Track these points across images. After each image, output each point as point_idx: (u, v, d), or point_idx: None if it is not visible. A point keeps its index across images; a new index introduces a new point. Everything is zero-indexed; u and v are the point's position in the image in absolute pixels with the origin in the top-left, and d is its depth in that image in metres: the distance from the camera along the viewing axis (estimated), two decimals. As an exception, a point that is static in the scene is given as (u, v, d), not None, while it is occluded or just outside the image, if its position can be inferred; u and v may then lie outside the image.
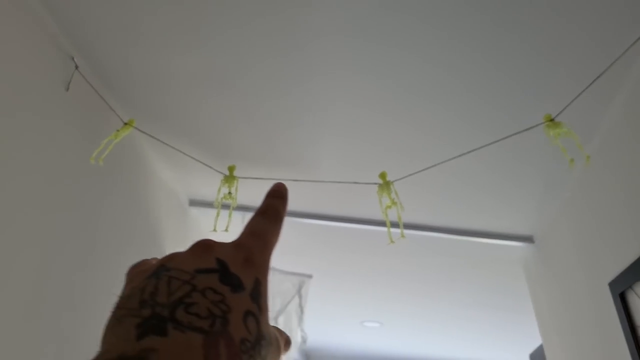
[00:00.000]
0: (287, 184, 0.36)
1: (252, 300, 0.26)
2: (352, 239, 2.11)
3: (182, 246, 1.84)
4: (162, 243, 1.70)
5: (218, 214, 1.17)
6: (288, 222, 2.10)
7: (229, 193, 1.13)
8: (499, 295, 2.56)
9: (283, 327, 1.75)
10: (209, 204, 1.91)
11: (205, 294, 0.24)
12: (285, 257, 1.80)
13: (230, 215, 1.13)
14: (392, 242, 0.95)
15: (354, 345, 3.78)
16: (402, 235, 0.94)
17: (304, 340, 1.72)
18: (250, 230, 0.30)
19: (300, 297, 1.79)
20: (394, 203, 0.89)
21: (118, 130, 1.07)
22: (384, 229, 1.96)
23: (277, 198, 0.33)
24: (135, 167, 1.53)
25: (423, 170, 1.16)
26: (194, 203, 1.91)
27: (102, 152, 1.07)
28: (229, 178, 1.11)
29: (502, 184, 1.71)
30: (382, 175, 0.94)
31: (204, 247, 0.28)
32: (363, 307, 3.00)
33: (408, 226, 1.95)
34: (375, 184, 0.92)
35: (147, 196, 1.63)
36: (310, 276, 1.84)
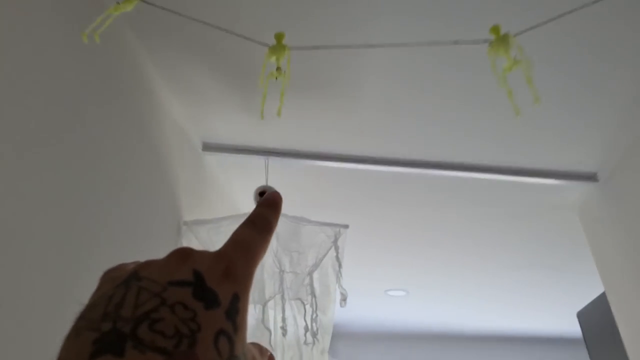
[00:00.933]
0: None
1: (228, 318, 0.24)
2: (378, 185, 1.89)
3: (197, 199, 1.60)
4: (175, 192, 1.46)
5: (264, 97, 0.91)
6: (301, 166, 1.95)
7: (278, 69, 0.89)
8: (545, 252, 2.36)
9: (319, 284, 1.53)
10: (227, 149, 1.68)
11: (174, 310, 0.23)
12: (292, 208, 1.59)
13: (282, 98, 0.88)
14: (518, 114, 0.71)
15: (377, 317, 3.57)
16: (536, 100, 0.70)
17: (343, 298, 1.50)
18: (234, 240, 0.28)
19: (336, 249, 1.56)
20: (515, 62, 0.65)
21: (119, 3, 0.83)
22: (414, 170, 1.73)
23: (268, 207, 0.31)
24: (138, 96, 1.29)
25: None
26: (208, 147, 1.67)
27: (98, 28, 0.83)
28: (277, 48, 0.86)
29: (563, 113, 1.48)
30: (495, 30, 0.70)
31: (182, 255, 0.27)
32: (387, 274, 2.79)
33: (444, 166, 1.72)
34: (485, 41, 0.69)
35: (152, 133, 1.39)
36: (346, 226, 1.61)
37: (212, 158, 1.70)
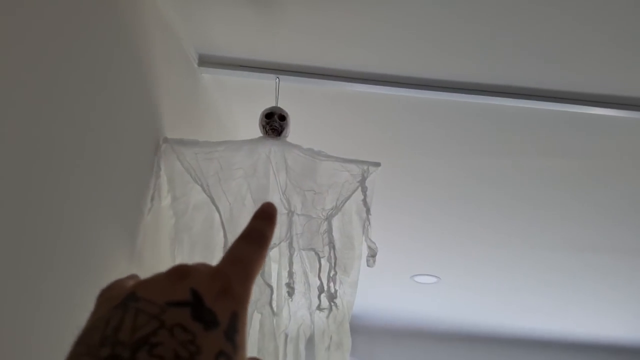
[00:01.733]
0: None
1: (227, 338, 0.25)
2: (415, 119, 1.51)
3: (187, 119, 1.22)
4: (156, 106, 1.11)
5: None
6: (318, 88, 1.47)
7: None
8: (631, 230, 1.92)
9: (340, 233, 1.16)
10: (227, 63, 1.32)
11: (173, 333, 0.24)
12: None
13: None
14: None
15: (401, 309, 3.17)
16: None
17: (372, 254, 1.12)
18: (230, 256, 0.29)
19: (364, 191, 1.19)
20: None
21: None
22: (468, 97, 1.34)
23: (262, 219, 0.32)
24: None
25: None
26: (205, 61, 1.32)
27: None
28: None
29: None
30: None
31: (179, 273, 0.27)
32: (415, 255, 2.40)
33: (513, 92, 1.34)
34: None
35: (136, 39, 1.04)
36: (377, 164, 1.23)
37: (210, 76, 1.35)
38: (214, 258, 1.01)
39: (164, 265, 1.00)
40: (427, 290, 2.78)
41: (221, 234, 1.03)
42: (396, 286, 2.79)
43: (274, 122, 1.21)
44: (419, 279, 2.67)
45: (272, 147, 1.19)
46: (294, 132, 1.28)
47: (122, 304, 0.26)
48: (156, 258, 0.99)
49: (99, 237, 0.83)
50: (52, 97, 0.73)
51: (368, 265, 1.15)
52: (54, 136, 0.73)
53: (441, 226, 2.10)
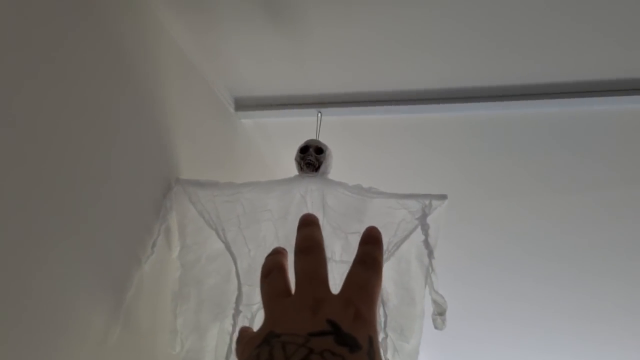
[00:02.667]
0: None
1: (370, 357, 0.28)
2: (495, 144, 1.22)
3: (227, 172, 1.10)
4: (178, 161, 1.01)
5: None
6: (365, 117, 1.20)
7: None
8: None
9: (394, 285, 0.90)
10: (269, 105, 1.20)
11: (324, 356, 0.27)
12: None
13: None
14: None
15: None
16: None
17: (439, 312, 0.84)
18: (352, 283, 0.33)
19: (425, 230, 0.93)
20: None
21: None
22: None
23: (372, 244, 0.35)
24: (144, 35, 0.91)
25: None
26: (242, 105, 1.22)
27: None
28: None
29: None
30: None
31: (311, 306, 0.30)
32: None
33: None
34: None
35: (165, 90, 0.99)
36: (443, 197, 0.98)
37: (249, 120, 1.24)
38: (226, 317, 0.81)
39: (161, 325, 0.82)
40: None
41: (235, 286, 0.84)
42: None
43: (309, 157, 1.04)
44: None
45: (309, 186, 1.00)
46: (340, 171, 1.09)
47: (265, 341, 0.29)
48: (152, 317, 0.82)
49: (73, 287, 0.69)
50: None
51: (436, 327, 0.86)
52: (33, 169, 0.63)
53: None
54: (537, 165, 1.30)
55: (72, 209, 0.70)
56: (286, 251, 0.41)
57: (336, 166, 1.09)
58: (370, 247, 0.36)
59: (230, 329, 0.79)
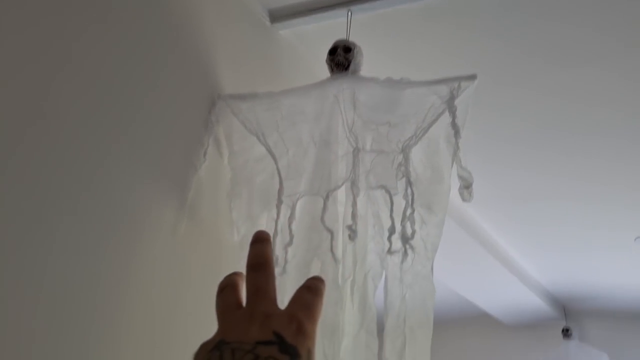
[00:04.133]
0: None
1: None
2: None
3: (267, 85, 1.17)
4: (220, 79, 1.13)
5: None
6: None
7: None
8: None
9: (423, 166, 0.97)
10: (303, 10, 1.26)
11: None
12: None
13: None
14: None
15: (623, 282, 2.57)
16: None
17: (465, 185, 0.91)
18: (299, 302, 0.40)
19: (452, 112, 0.98)
20: None
21: None
22: None
23: (318, 280, 0.43)
24: None
25: None
26: (277, 17, 1.29)
27: None
28: None
29: None
30: None
31: (261, 319, 0.36)
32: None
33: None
34: None
35: (201, 13, 1.09)
36: (472, 77, 1.00)
37: (284, 31, 1.31)
38: (273, 207, 0.96)
39: (219, 217, 0.99)
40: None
41: (278, 182, 0.98)
42: (615, 251, 2.25)
43: (338, 57, 1.10)
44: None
45: (341, 85, 1.08)
46: (374, 66, 1.14)
47: (216, 348, 0.33)
48: (211, 211, 0.99)
49: (146, 191, 0.86)
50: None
51: (464, 200, 0.94)
52: (100, 91, 0.79)
53: None
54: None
55: (139, 134, 0.86)
56: (241, 273, 0.46)
57: (370, 62, 1.14)
58: (316, 280, 0.43)
59: (275, 216, 0.94)
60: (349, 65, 1.09)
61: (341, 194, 0.97)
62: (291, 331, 0.35)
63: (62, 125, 0.75)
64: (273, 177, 1.01)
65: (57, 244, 0.70)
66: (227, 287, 0.44)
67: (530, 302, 2.92)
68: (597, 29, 1.21)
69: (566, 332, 3.04)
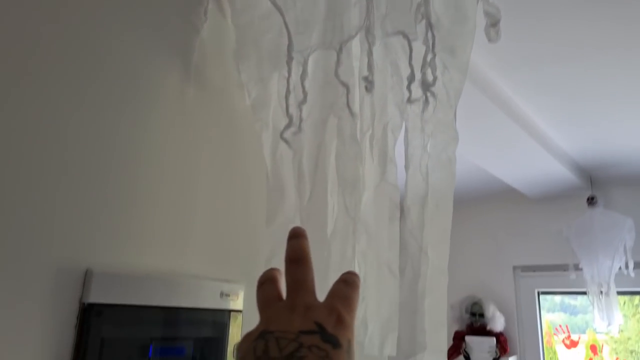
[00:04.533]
0: None
1: (349, 356, 0.36)
2: None
3: None
4: None
5: None
6: None
7: None
8: None
9: (446, 6, 0.88)
10: None
11: (311, 350, 0.34)
12: None
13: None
14: None
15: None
16: None
17: (492, 23, 0.83)
18: (337, 294, 0.42)
19: None
20: None
21: None
22: None
23: (353, 274, 0.45)
24: None
25: None
26: None
27: None
28: None
29: None
30: None
31: (302, 310, 0.38)
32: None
33: None
34: None
35: None
36: None
37: None
38: (284, 65, 0.90)
39: (227, 81, 0.94)
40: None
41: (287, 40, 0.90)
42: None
43: None
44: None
45: None
46: None
47: (260, 337, 0.35)
48: (219, 74, 0.93)
49: (145, 56, 0.81)
50: None
51: (490, 40, 0.86)
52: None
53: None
54: None
55: None
56: (278, 269, 0.47)
57: None
58: (351, 275, 0.44)
59: (287, 74, 0.88)
60: None
61: (356, 46, 0.90)
62: (331, 322, 0.37)
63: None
64: (281, 33, 0.93)
65: (59, 110, 0.67)
66: (267, 281, 0.45)
67: (557, 172, 2.89)
68: None
69: (591, 201, 3.03)
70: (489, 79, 2.04)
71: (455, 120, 0.83)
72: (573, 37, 1.78)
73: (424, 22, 0.85)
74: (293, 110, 0.86)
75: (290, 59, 0.89)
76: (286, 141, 0.85)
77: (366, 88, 0.84)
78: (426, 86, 0.82)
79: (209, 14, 0.91)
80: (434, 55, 0.83)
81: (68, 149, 0.68)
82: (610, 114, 2.39)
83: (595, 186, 3.19)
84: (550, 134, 2.60)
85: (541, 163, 2.75)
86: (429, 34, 0.84)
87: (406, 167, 0.83)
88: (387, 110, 0.86)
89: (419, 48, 0.85)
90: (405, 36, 0.85)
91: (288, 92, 0.87)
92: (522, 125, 2.34)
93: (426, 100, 0.81)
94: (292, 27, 0.91)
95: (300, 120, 0.86)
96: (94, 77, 0.73)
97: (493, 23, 0.84)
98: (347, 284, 0.43)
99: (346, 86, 0.85)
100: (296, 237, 0.45)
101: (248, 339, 0.36)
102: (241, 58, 0.93)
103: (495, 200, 3.73)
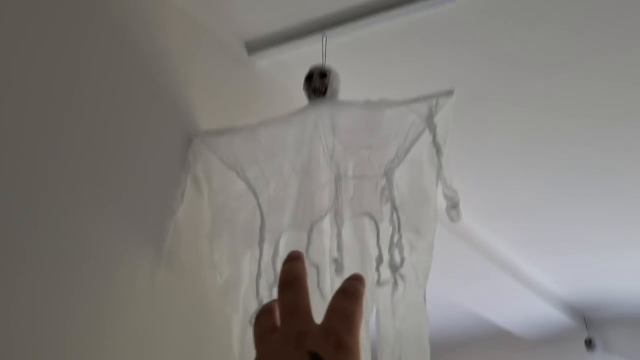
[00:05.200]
0: None
1: None
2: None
3: (247, 117, 1.13)
4: (196, 115, 1.11)
5: None
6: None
7: None
8: None
9: (408, 187, 0.93)
10: (279, 40, 1.24)
11: None
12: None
13: None
14: None
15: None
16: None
17: (452, 205, 0.87)
18: (335, 311, 0.36)
19: (432, 130, 0.94)
20: None
21: None
22: None
23: (355, 280, 0.39)
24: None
25: None
26: (254, 48, 1.27)
27: None
28: None
29: None
30: None
31: (295, 339, 0.34)
32: None
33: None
34: None
35: (172, 52, 1.08)
36: (449, 93, 0.97)
37: (262, 62, 1.29)
38: (256, 244, 0.92)
39: (201, 261, 0.95)
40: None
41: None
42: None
43: (315, 83, 1.08)
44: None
45: (319, 112, 1.05)
46: (355, 89, 1.12)
47: None
48: (192, 256, 0.95)
49: (119, 240, 0.83)
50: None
51: (452, 220, 0.89)
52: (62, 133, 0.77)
53: None
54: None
55: (110, 178, 0.84)
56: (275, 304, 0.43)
57: (348, 86, 1.11)
58: (353, 281, 0.40)
59: (258, 255, 0.90)
60: (325, 91, 1.07)
61: (327, 224, 0.94)
62: (329, 348, 0.33)
63: (32, 166, 0.72)
64: (254, 213, 0.97)
65: (24, 292, 0.67)
66: (262, 314, 0.41)
67: (547, 314, 2.83)
68: (572, 31, 1.18)
69: (589, 344, 2.93)
70: (472, 229, 2.09)
71: (426, 303, 0.83)
72: (555, 183, 1.87)
73: (389, 204, 0.89)
74: (264, 292, 0.87)
75: (262, 239, 0.92)
76: (256, 325, 0.84)
77: (336, 270, 0.85)
78: (394, 268, 0.84)
79: (185, 196, 0.95)
80: (400, 236, 0.86)
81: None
82: (598, 255, 2.41)
83: (591, 327, 3.11)
84: (537, 276, 2.60)
85: (531, 306, 2.71)
86: (394, 215, 0.88)
87: (379, 353, 0.81)
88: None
89: (386, 228, 0.88)
90: (372, 217, 0.89)
91: (259, 274, 0.88)
92: (507, 270, 2.35)
93: (395, 283, 0.82)
94: (265, 208, 0.96)
95: (271, 303, 0.86)
96: (61, 255, 0.74)
97: (452, 205, 0.88)
98: (347, 295, 0.38)
99: (317, 267, 0.87)
100: (290, 261, 0.42)
101: None
102: (214, 237, 0.96)
103: (494, 343, 3.59)
